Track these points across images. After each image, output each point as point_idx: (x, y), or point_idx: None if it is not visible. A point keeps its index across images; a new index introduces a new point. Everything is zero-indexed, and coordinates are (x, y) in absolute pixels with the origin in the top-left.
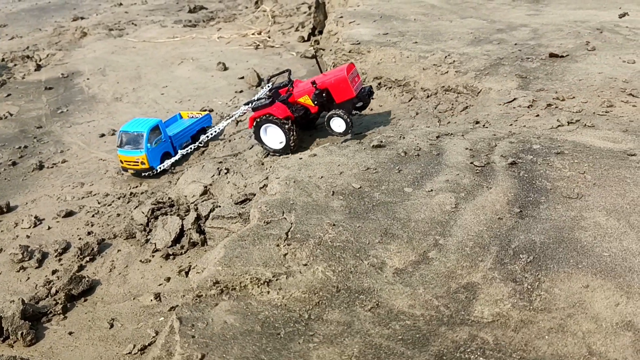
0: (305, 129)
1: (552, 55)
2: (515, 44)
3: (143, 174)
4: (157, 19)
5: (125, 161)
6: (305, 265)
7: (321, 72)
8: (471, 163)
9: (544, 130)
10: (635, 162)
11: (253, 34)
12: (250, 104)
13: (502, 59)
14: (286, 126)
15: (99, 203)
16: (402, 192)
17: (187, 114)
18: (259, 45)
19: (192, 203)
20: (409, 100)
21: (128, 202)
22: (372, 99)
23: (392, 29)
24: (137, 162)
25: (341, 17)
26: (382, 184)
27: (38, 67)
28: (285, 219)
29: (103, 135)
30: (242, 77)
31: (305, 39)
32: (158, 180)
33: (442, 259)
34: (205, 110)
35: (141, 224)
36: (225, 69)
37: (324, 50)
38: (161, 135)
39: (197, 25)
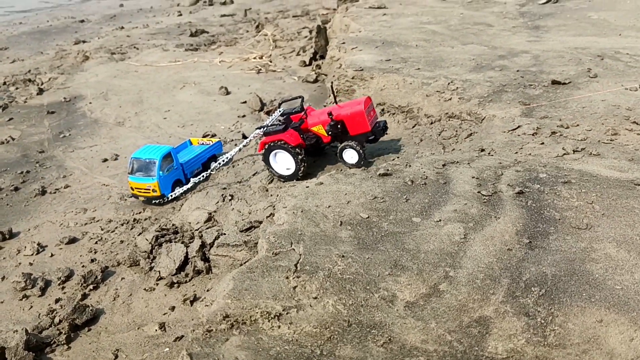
0: (313, 155)
1: (554, 82)
2: (518, 71)
3: (153, 202)
4: (159, 42)
5: (136, 188)
6: (316, 298)
7: (336, 102)
8: (478, 192)
9: (550, 158)
10: None
11: (255, 58)
12: (262, 128)
13: (505, 85)
14: (298, 155)
15: (102, 229)
16: (411, 222)
17: (197, 140)
18: (260, 69)
19: (196, 230)
20: (413, 127)
21: (131, 228)
22: (386, 134)
23: (395, 55)
24: (149, 189)
25: (343, 43)
26: (390, 213)
27: (40, 91)
28: (294, 250)
29: (106, 160)
30: (245, 102)
31: (307, 63)
32: (161, 207)
33: (453, 291)
34: (209, 135)
35: (145, 251)
36: (228, 93)
37: (326, 75)
38: (173, 162)
39: (198, 49)
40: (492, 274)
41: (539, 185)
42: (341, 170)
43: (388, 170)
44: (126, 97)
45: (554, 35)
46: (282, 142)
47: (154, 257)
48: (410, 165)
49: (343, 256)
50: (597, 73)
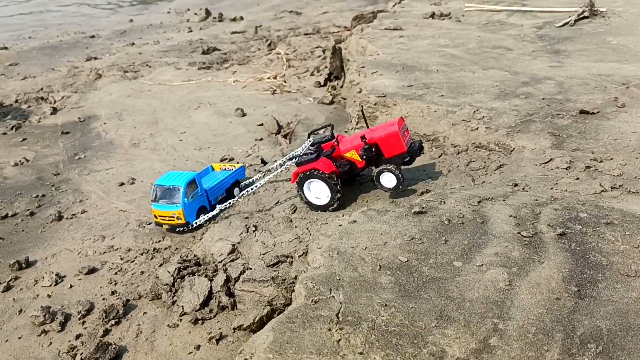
0: (345, 184)
1: (582, 111)
2: (543, 99)
3: (178, 229)
4: (171, 60)
5: (160, 216)
6: (362, 353)
7: (367, 126)
8: (518, 233)
9: (588, 195)
10: None
11: (269, 78)
12: (294, 159)
13: (532, 114)
14: (332, 182)
15: (121, 259)
16: (452, 267)
17: (220, 166)
18: (275, 90)
19: (219, 262)
20: (439, 156)
21: (152, 258)
22: (422, 153)
23: (416, 81)
24: (173, 217)
25: (363, 66)
26: (430, 256)
27: (54, 110)
28: (334, 297)
29: (122, 184)
30: (262, 124)
31: (322, 84)
32: (181, 235)
33: (505, 347)
34: (228, 159)
35: (167, 284)
36: (244, 114)
37: (345, 99)
38: (197, 189)
39: (211, 67)
40: (543, 327)
41: (580, 226)
42: (372, 206)
43: (423, 207)
44: (141, 117)
45: (575, 61)
46: (316, 170)
47: (176, 290)
48: (444, 202)
49: (386, 305)
50: (625, 102)
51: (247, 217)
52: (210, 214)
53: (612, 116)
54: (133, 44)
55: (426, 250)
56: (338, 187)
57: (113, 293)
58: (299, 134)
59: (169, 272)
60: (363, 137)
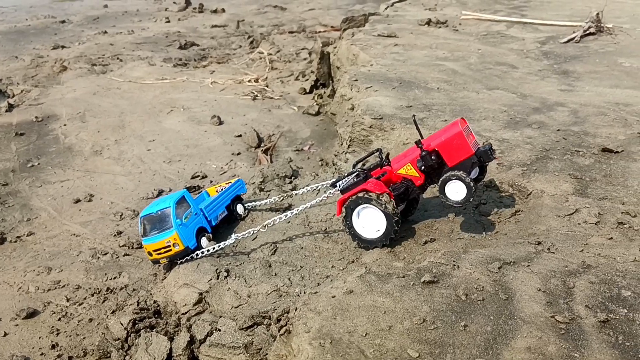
0: (403, 215)
1: (605, 149)
2: (559, 130)
3: (179, 260)
4: (145, 54)
5: (154, 251)
6: None
7: (421, 136)
8: (552, 317)
9: (627, 264)
10: None
11: (250, 81)
12: (337, 186)
13: (549, 150)
14: (386, 205)
15: (67, 300)
16: None
17: (214, 189)
18: (256, 95)
19: (183, 314)
20: None
21: (104, 301)
22: (494, 157)
23: (415, 100)
24: (169, 245)
25: (356, 80)
26: (447, 350)
27: (10, 107)
28: None
29: (78, 201)
30: (240, 135)
31: (307, 91)
32: (141, 271)
33: None
34: (199, 177)
35: (118, 339)
36: (220, 123)
37: (334, 114)
38: (191, 208)
39: (187, 65)
40: None
41: (625, 310)
42: (370, 266)
43: (434, 275)
44: (106, 119)
45: (587, 85)
46: (365, 192)
47: (129, 348)
48: (458, 267)
49: None
50: None
51: (218, 256)
52: (224, 243)
53: (639, 157)
54: (105, 32)
55: (441, 341)
56: (395, 211)
57: (54, 347)
58: (281, 150)
59: (122, 323)
60: (419, 143)
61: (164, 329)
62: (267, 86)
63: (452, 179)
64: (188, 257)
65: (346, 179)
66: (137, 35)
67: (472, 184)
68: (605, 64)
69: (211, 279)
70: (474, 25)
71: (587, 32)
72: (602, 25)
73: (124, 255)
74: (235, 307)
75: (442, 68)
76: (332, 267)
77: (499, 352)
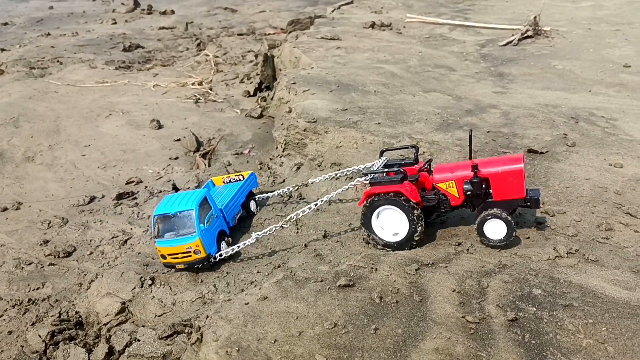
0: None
1: (531, 150)
2: (488, 132)
3: (197, 267)
4: (87, 57)
5: (169, 255)
6: None
7: (471, 156)
8: (463, 317)
9: (541, 262)
10: None
11: (193, 84)
12: (368, 176)
13: (477, 151)
14: (415, 216)
15: None
16: None
17: (221, 179)
18: (199, 98)
19: (104, 325)
20: None
21: (24, 312)
22: (539, 207)
23: (351, 103)
24: (189, 251)
25: (294, 83)
26: (355, 354)
27: None
28: None
29: (5, 209)
30: (179, 140)
31: (251, 94)
32: (66, 281)
33: None
34: (134, 182)
35: (36, 352)
36: (160, 127)
37: (273, 118)
38: (212, 210)
39: (131, 67)
40: None
41: (534, 308)
42: (292, 268)
43: (350, 280)
44: (41, 124)
45: (520, 87)
46: (399, 195)
47: None
48: (376, 269)
49: None
50: (575, 141)
51: (146, 265)
52: (242, 244)
53: (563, 157)
54: (48, 34)
55: (351, 345)
56: (420, 222)
57: None
58: (220, 153)
59: (40, 336)
60: (475, 167)
61: (83, 341)
62: (210, 89)
63: (492, 218)
64: (205, 264)
65: (375, 167)
66: (80, 37)
67: (511, 220)
68: (540, 66)
69: (135, 288)
70: (417, 28)
71: (525, 35)
72: (539, 28)
73: (49, 265)
74: (159, 316)
75: (381, 71)
76: (258, 272)
77: (407, 355)
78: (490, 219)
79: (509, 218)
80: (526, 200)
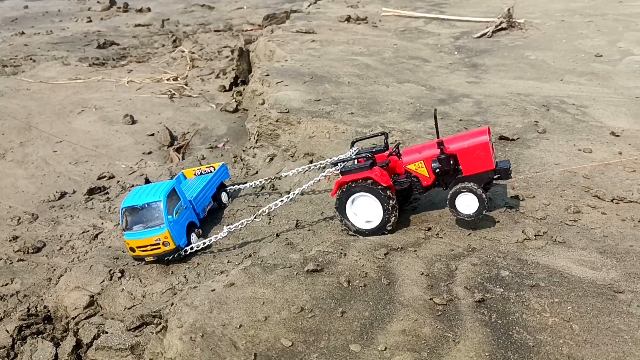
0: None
1: (502, 137)
2: (460, 120)
3: (167, 259)
4: (60, 54)
5: (138, 247)
6: None
7: (438, 135)
8: (430, 299)
9: (509, 245)
10: (626, 304)
11: (168, 79)
12: (338, 165)
13: None
14: (387, 199)
15: None
16: (348, 352)
17: (192, 171)
18: (174, 94)
19: (72, 319)
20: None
21: None
22: (511, 177)
23: (325, 94)
24: (158, 242)
25: (267, 75)
26: (321, 337)
27: None
28: None
29: None
30: (152, 134)
31: (227, 88)
32: (35, 277)
33: None
34: (106, 177)
35: (4, 347)
36: (133, 122)
37: (247, 110)
38: (181, 201)
39: (105, 64)
40: None
41: (501, 289)
42: (261, 255)
43: (318, 265)
44: (12, 122)
45: (493, 77)
46: (369, 180)
47: (15, 357)
48: (345, 254)
49: None
50: (546, 127)
51: (116, 258)
52: (216, 237)
53: (533, 143)
54: (23, 33)
55: (317, 328)
56: (394, 206)
57: None
58: (195, 147)
59: (7, 331)
60: (440, 144)
61: (50, 335)
62: (186, 84)
63: (463, 191)
64: (176, 256)
65: (345, 156)
66: (54, 35)
67: (484, 196)
68: (513, 57)
69: (104, 281)
70: (393, 22)
71: (500, 27)
72: (513, 20)
73: (18, 261)
74: (129, 308)
75: (355, 62)
76: (228, 262)
77: (373, 337)
78: (464, 192)
79: (484, 195)
80: (496, 172)
